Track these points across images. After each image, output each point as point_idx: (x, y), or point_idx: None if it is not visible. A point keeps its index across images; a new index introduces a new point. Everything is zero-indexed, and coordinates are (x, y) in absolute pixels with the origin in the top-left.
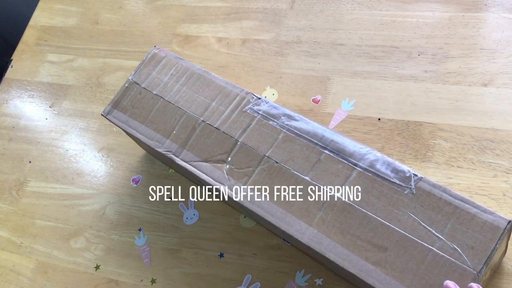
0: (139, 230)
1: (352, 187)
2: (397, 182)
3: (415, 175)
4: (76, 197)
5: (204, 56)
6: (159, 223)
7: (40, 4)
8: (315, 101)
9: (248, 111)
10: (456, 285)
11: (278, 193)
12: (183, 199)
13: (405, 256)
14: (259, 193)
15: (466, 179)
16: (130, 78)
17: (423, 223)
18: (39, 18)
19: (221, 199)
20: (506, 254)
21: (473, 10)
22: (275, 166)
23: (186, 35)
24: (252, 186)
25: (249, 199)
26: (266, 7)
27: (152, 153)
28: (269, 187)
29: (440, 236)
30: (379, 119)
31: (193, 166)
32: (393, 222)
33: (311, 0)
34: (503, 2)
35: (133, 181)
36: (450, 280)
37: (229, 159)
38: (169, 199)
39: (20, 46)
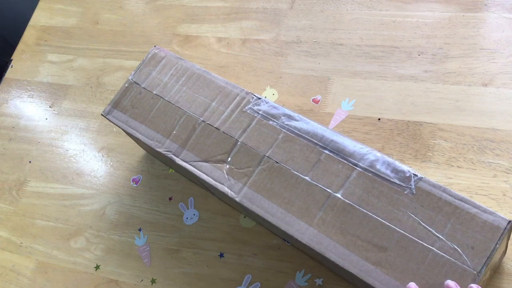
0: (139, 230)
1: (352, 187)
2: (397, 182)
3: (415, 175)
4: (76, 197)
5: (204, 56)
6: (159, 223)
7: (40, 4)
8: (315, 101)
9: (248, 111)
10: (457, 285)
11: (278, 193)
12: (183, 199)
13: (405, 256)
14: (259, 193)
15: (466, 179)
16: (130, 78)
17: (423, 223)
18: (39, 18)
19: (221, 199)
20: (506, 254)
21: (473, 10)
22: (275, 166)
23: (186, 35)
24: (252, 186)
25: (249, 199)
26: (266, 7)
27: (152, 153)
28: (269, 187)
29: (440, 236)
30: (379, 119)
31: (193, 166)
32: (393, 222)
33: (311, 0)
34: (503, 2)
35: (133, 181)
36: (450, 280)
37: (229, 159)
38: (169, 199)
39: (20, 46)
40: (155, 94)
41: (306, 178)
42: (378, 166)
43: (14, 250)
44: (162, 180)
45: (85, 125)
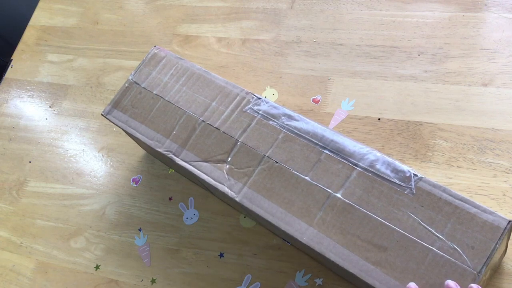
0: (139, 230)
1: (352, 187)
2: (397, 182)
3: (415, 175)
4: (76, 197)
5: (204, 56)
6: (159, 223)
7: (40, 4)
8: (315, 101)
9: (248, 111)
10: (457, 284)
11: (278, 193)
12: (183, 199)
13: (405, 256)
14: (259, 193)
15: (466, 179)
16: (130, 78)
17: (423, 223)
18: (39, 18)
19: (221, 199)
20: (506, 254)
21: (473, 10)
22: (275, 166)
23: (186, 35)
24: (252, 186)
25: (249, 199)
26: (266, 7)
27: (152, 153)
28: (269, 187)
29: (440, 236)
30: (379, 119)
31: (193, 166)
32: (393, 222)
33: (311, 0)
34: (503, 2)
35: (133, 181)
36: (450, 280)
37: (229, 159)
38: (169, 199)
39: (20, 46)
40: (155, 94)
41: (306, 178)
42: (378, 166)
43: (14, 250)
44: (162, 180)
45: (85, 125)
